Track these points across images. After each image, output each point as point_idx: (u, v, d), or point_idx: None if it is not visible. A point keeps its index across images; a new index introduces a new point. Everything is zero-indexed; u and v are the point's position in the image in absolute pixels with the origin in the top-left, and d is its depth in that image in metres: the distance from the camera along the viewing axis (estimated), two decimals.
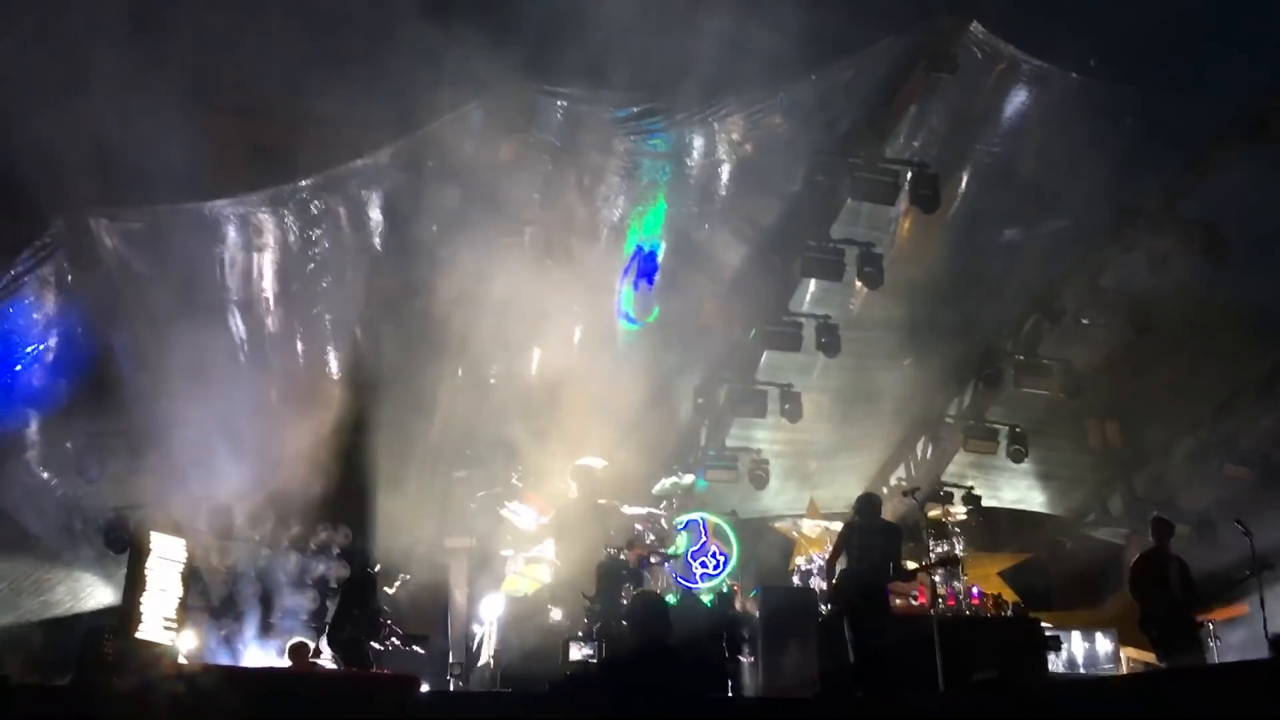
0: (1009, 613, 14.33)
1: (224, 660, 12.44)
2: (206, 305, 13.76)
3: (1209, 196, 14.53)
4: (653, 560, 13.93)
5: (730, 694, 12.37)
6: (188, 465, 12.95)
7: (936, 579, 13.00)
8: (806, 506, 17.54)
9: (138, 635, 12.12)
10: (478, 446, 15.72)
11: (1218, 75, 12.76)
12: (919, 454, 18.42)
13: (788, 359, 16.21)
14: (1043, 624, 13.87)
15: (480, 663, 14.01)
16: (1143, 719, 6.61)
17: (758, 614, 13.54)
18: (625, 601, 12.69)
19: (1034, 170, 14.18)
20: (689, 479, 16.16)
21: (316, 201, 13.56)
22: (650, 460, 15.82)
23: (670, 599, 13.18)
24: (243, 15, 11.29)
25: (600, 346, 15.43)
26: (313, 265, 14.21)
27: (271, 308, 14.37)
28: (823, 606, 13.10)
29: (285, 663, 12.32)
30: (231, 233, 13.65)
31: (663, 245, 15.28)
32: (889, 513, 14.89)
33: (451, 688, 13.45)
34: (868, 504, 12.15)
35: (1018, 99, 13.69)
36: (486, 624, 14.17)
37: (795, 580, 14.80)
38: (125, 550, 13.71)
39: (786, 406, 16.47)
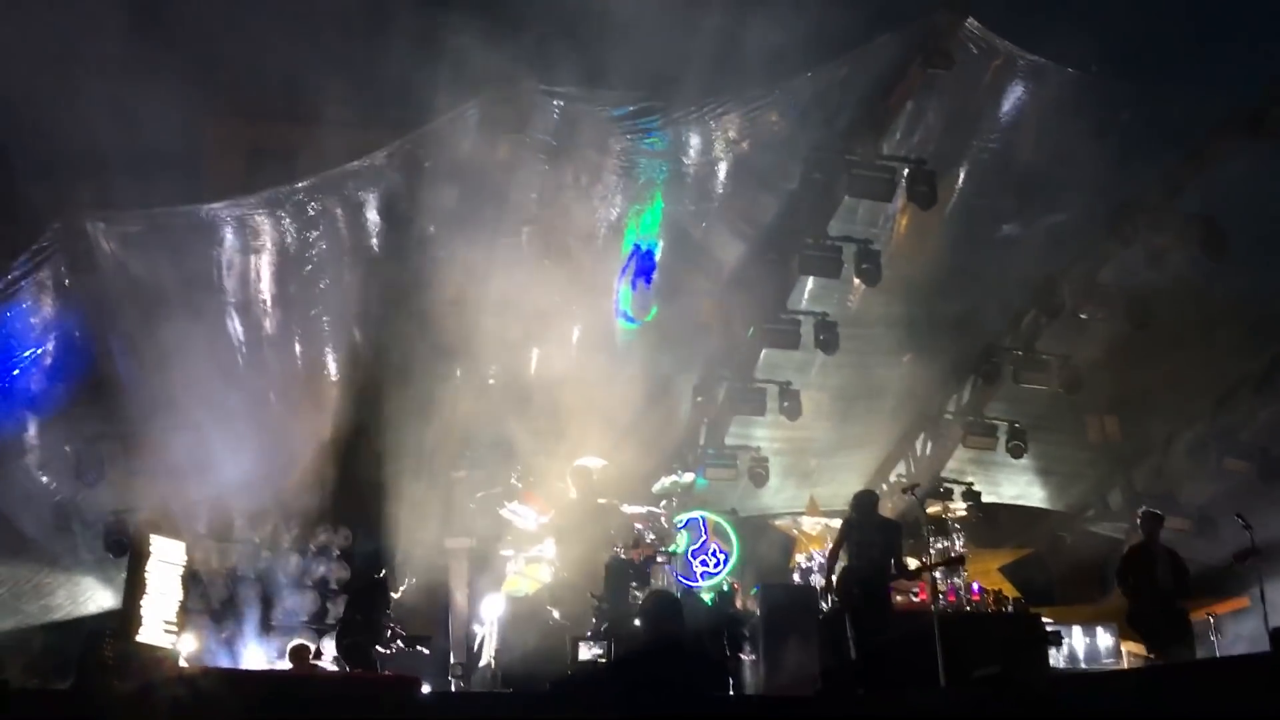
0: (1009, 609, 14.27)
1: (224, 663, 12.46)
2: (204, 308, 13.72)
3: (1207, 191, 14.46)
4: (658, 559, 13.93)
5: (732, 692, 12.35)
6: (187, 468, 12.96)
7: (937, 575, 13.00)
8: (806, 504, 17.51)
9: (138, 638, 12.14)
10: (477, 447, 15.70)
11: (1215, 69, 12.76)
12: (918, 450, 18.38)
13: (786, 357, 16.19)
14: (1043, 619, 13.84)
15: (481, 663, 14.02)
16: (1144, 714, 6.60)
17: (758, 612, 13.54)
18: (633, 601, 12.71)
19: (1031, 166, 14.18)
20: (689, 477, 16.12)
21: (313, 203, 13.52)
22: (650, 459, 15.76)
23: None
24: (240, 18, 11.30)
25: (599, 346, 15.43)
26: (310, 267, 14.18)
27: (269, 310, 14.34)
28: (821, 603, 13.11)
29: (286, 665, 12.33)
30: (229, 235, 13.61)
31: (660, 244, 15.25)
32: (889, 509, 14.96)
33: (453, 688, 13.48)
34: (864, 501, 12.17)
35: (1014, 94, 13.64)
36: (487, 624, 14.18)
37: (796, 578, 14.77)
38: (125, 553, 13.73)
39: (785, 404, 16.46)
